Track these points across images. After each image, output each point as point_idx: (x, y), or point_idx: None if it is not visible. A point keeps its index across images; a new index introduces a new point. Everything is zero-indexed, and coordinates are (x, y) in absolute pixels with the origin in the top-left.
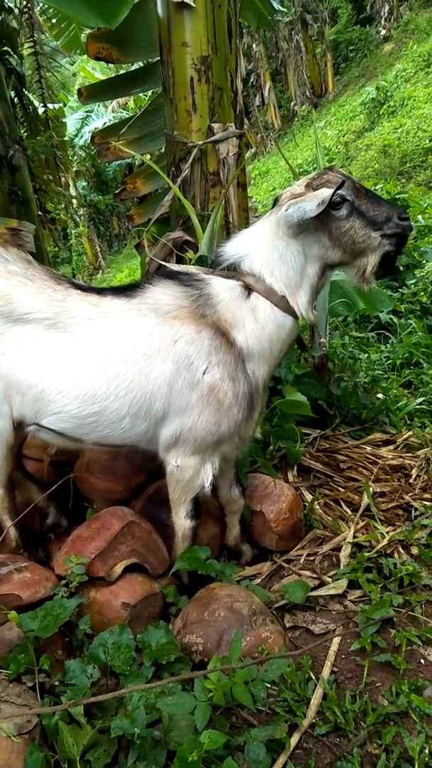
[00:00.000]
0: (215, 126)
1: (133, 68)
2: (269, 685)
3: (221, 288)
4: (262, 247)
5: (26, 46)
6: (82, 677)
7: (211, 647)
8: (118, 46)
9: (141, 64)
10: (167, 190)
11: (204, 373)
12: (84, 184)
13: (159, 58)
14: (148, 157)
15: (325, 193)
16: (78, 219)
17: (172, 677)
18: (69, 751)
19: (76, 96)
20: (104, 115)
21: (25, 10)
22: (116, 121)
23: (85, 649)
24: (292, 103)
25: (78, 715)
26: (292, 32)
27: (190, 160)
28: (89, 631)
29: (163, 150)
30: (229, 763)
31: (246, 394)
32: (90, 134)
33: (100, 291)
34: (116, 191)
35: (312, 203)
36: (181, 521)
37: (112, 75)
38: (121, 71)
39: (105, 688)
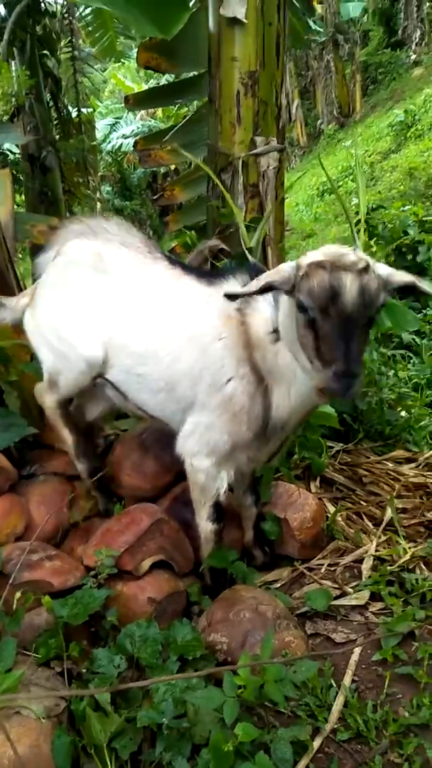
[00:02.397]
0: (258, 139)
1: (170, 79)
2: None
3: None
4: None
5: (64, 50)
6: (109, 666)
7: (235, 647)
8: (167, 57)
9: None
10: (204, 198)
11: (228, 381)
12: (108, 189)
13: (205, 70)
14: (200, 160)
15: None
16: None
17: (198, 671)
18: (96, 737)
19: (105, 102)
20: (133, 122)
21: (66, 15)
22: (145, 129)
23: (110, 640)
24: (319, 122)
25: (105, 703)
26: (323, 52)
27: (231, 171)
28: (116, 622)
29: (203, 159)
30: (261, 757)
31: (259, 418)
32: (117, 140)
33: (188, 269)
34: (141, 197)
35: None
36: (204, 524)
37: (143, 84)
38: (152, 81)
39: (130, 680)
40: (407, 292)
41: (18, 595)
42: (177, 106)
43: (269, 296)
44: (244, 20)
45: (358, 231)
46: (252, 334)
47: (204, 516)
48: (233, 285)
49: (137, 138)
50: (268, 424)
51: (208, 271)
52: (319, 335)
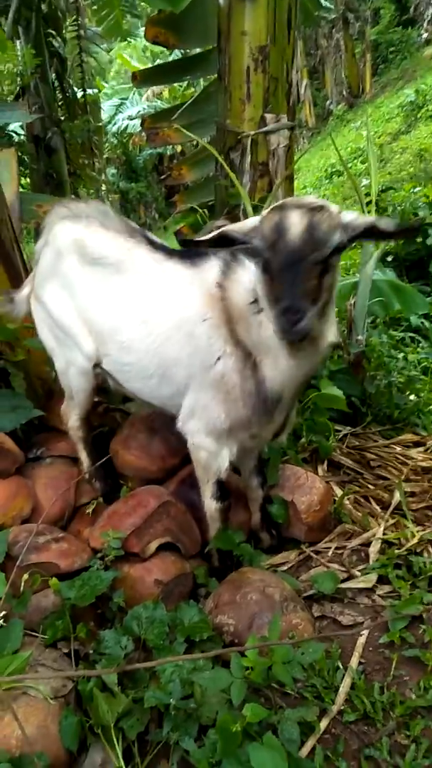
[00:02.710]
0: (268, 116)
1: (180, 55)
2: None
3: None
4: None
5: (69, 29)
6: (116, 648)
7: (242, 629)
8: (175, 32)
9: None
10: (212, 178)
11: (217, 360)
12: (113, 171)
13: (214, 46)
14: (208, 138)
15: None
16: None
17: (205, 653)
18: (103, 717)
19: (111, 83)
20: (138, 103)
21: None
22: (151, 110)
23: (116, 622)
24: (328, 102)
25: (112, 683)
26: (333, 30)
27: (240, 150)
28: (122, 604)
29: (210, 138)
30: (269, 737)
31: (252, 395)
32: (123, 122)
33: (170, 252)
34: (147, 179)
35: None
36: (208, 501)
37: (149, 63)
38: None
39: (136, 662)
40: (371, 236)
41: (26, 576)
42: (183, 87)
43: (252, 267)
44: None
45: (369, 212)
46: (233, 309)
47: (208, 494)
48: (215, 264)
49: (145, 116)
50: (264, 400)
51: (192, 251)
52: (271, 277)
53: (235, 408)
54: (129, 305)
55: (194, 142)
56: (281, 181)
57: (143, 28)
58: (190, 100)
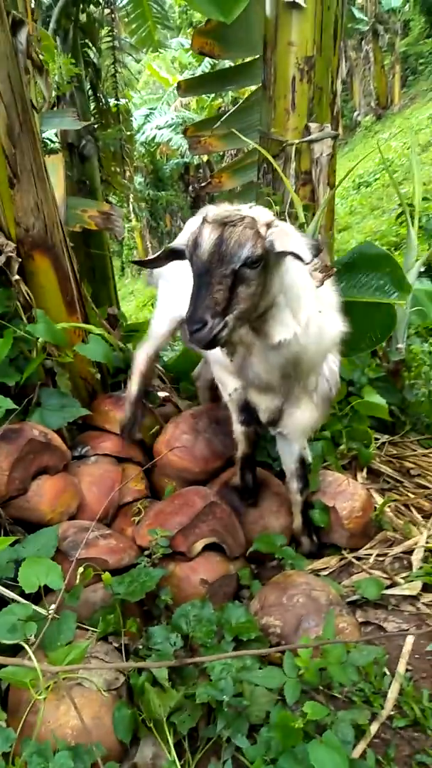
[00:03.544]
0: (312, 125)
1: (205, 70)
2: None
3: None
4: None
5: (105, 40)
6: (165, 644)
7: (289, 631)
8: (221, 42)
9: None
10: (249, 185)
11: None
12: (140, 179)
13: (258, 56)
14: (248, 150)
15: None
16: (139, 213)
17: (253, 651)
18: (155, 711)
19: (139, 93)
20: (167, 113)
21: (108, 4)
22: (179, 121)
23: (163, 619)
24: (356, 113)
25: (163, 678)
26: (362, 42)
27: (285, 159)
28: (170, 601)
29: (249, 148)
30: (329, 735)
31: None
32: (151, 131)
33: None
34: (174, 188)
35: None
36: (235, 425)
37: (178, 74)
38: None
39: (184, 659)
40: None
41: (81, 569)
42: (211, 98)
43: None
44: (303, 4)
45: (412, 220)
46: None
47: (234, 418)
48: None
49: (187, 125)
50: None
51: None
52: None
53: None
54: None
55: (230, 152)
56: (332, 194)
57: (172, 40)
58: (231, 110)
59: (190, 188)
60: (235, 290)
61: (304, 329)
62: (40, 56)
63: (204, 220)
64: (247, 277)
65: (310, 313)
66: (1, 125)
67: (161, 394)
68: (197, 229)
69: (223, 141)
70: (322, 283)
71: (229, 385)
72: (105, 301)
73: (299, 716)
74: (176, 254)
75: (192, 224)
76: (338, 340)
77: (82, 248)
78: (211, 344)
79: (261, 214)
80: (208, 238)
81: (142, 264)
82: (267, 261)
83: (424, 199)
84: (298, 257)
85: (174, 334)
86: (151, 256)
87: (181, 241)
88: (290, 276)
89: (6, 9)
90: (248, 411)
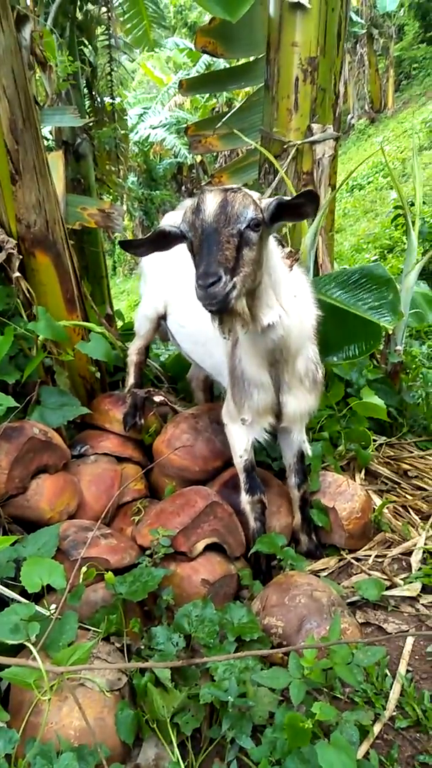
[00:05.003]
0: (314, 126)
1: (200, 70)
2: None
3: None
4: None
5: (101, 38)
6: (168, 644)
7: (291, 632)
8: (224, 41)
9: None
10: (250, 186)
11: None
12: (134, 179)
13: (261, 56)
14: (248, 150)
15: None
16: (132, 212)
17: (259, 651)
18: (158, 712)
19: (133, 92)
20: (161, 113)
21: (104, 2)
22: (173, 120)
23: (164, 619)
24: (349, 116)
25: (165, 679)
26: (357, 45)
27: (287, 159)
28: (171, 602)
29: (249, 148)
30: (337, 736)
31: (237, 375)
32: (145, 131)
33: None
34: (167, 188)
35: None
36: (242, 495)
37: (172, 74)
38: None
39: (184, 660)
40: (289, 215)
41: (84, 569)
42: (205, 98)
43: None
44: (308, 5)
45: (412, 223)
46: None
47: (242, 486)
48: None
49: (184, 124)
50: (243, 379)
51: None
52: (194, 253)
53: (232, 387)
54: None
55: (223, 153)
56: (333, 195)
57: (167, 40)
58: (234, 109)
59: (183, 188)
60: (241, 252)
61: (287, 312)
62: (44, 52)
63: (203, 190)
64: (251, 240)
65: (289, 297)
66: (4, 121)
67: (157, 398)
68: (197, 198)
69: (224, 141)
70: (291, 268)
71: (239, 447)
72: (98, 299)
73: (308, 717)
74: (165, 239)
75: (171, 217)
76: (315, 324)
77: (76, 246)
78: (224, 302)
79: (250, 192)
80: (212, 201)
81: (130, 245)
82: (262, 231)
83: (422, 202)
84: (286, 204)
85: (157, 330)
86: (141, 238)
87: (172, 222)
88: (273, 259)
89: (11, 4)
90: (254, 478)
